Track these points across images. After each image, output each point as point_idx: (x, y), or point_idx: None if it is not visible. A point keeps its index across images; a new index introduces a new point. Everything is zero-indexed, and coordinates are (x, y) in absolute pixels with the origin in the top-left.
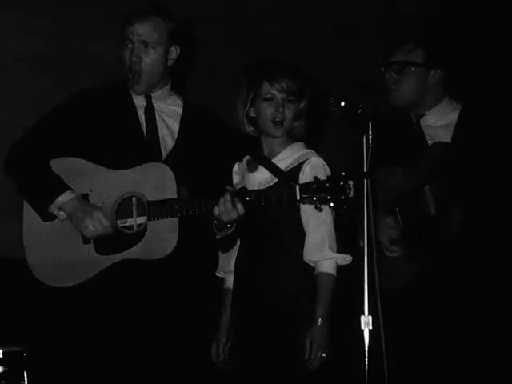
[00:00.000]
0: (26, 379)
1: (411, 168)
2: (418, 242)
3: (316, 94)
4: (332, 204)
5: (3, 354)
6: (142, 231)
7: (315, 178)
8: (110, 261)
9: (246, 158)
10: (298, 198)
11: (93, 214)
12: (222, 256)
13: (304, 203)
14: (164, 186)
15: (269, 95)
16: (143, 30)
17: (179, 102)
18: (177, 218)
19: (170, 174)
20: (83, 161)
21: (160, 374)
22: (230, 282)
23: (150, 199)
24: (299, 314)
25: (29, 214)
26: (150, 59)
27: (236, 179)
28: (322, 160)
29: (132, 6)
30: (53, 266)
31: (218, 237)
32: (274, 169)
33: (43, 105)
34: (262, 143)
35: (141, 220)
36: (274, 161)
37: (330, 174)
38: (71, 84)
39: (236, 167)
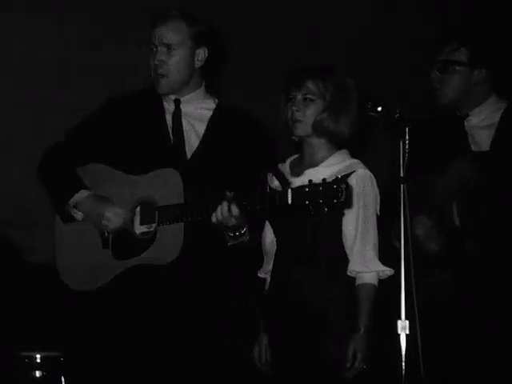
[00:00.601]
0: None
1: (442, 177)
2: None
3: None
4: (326, 209)
5: (41, 358)
6: (153, 237)
7: (309, 181)
8: (124, 266)
9: (289, 160)
10: (290, 201)
11: (106, 208)
12: (264, 257)
13: (296, 207)
14: (172, 191)
15: (290, 96)
16: (164, 32)
17: (212, 105)
18: (182, 224)
19: (178, 179)
20: (108, 167)
21: (175, 376)
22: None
23: (160, 204)
24: (324, 321)
25: (59, 220)
26: (172, 62)
27: (277, 182)
28: (369, 172)
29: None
30: (77, 270)
31: (229, 244)
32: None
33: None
34: (304, 149)
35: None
36: (319, 168)
37: (376, 185)
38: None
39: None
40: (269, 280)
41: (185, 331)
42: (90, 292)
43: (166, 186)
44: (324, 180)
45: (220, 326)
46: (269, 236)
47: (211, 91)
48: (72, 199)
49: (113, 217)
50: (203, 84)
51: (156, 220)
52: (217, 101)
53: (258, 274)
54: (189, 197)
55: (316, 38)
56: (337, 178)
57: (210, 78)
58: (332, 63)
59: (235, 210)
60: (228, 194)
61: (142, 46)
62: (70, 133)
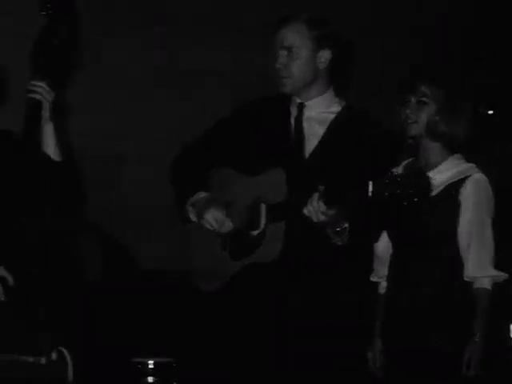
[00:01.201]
0: None
1: None
2: None
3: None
4: (405, 200)
5: (153, 364)
6: (263, 235)
7: (390, 172)
8: (239, 265)
9: (404, 164)
10: (370, 194)
11: (207, 210)
12: (376, 260)
13: (375, 199)
14: (277, 190)
15: (406, 99)
16: (284, 35)
17: (338, 108)
18: (283, 222)
19: (283, 178)
20: (232, 170)
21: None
22: (383, 288)
23: (269, 203)
24: (443, 324)
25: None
26: (294, 64)
27: None
28: (484, 176)
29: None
30: (203, 273)
31: (333, 241)
32: None
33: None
34: (418, 152)
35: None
36: (433, 173)
37: (491, 189)
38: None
39: None
40: (384, 284)
41: (296, 333)
42: (209, 294)
43: (274, 186)
44: (403, 171)
45: (331, 327)
46: (383, 241)
47: (340, 94)
48: (190, 200)
49: (210, 219)
50: (331, 88)
51: (265, 219)
52: (344, 103)
53: (371, 279)
54: (294, 195)
55: None
56: (419, 169)
57: (338, 81)
58: None
59: (321, 205)
60: (320, 188)
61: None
62: (199, 137)
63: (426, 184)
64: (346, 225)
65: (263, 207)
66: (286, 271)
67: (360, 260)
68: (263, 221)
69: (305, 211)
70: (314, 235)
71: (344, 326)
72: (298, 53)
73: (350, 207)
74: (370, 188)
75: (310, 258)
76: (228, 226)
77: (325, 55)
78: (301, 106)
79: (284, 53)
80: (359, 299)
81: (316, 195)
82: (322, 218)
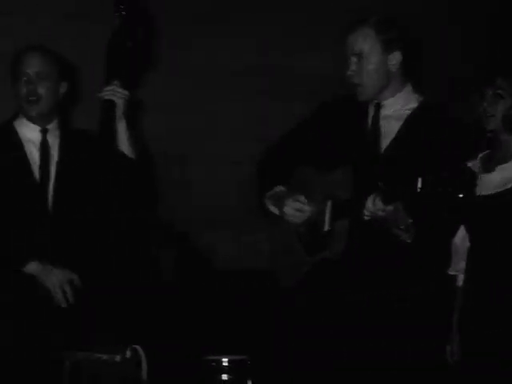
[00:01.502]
0: None
1: None
2: None
3: None
4: (451, 198)
5: (228, 362)
6: (333, 232)
7: (439, 169)
8: (312, 261)
9: (480, 156)
10: (418, 190)
11: (286, 203)
12: (453, 254)
13: (422, 197)
14: (346, 186)
15: (483, 92)
16: (354, 41)
17: (415, 105)
18: (347, 220)
19: (350, 175)
20: (312, 168)
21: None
22: (461, 280)
23: (339, 200)
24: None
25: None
26: (365, 71)
27: None
28: None
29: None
30: (282, 268)
31: (401, 239)
32: None
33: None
34: (495, 145)
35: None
36: (509, 165)
37: None
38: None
39: None
40: (462, 277)
41: (368, 332)
42: (287, 289)
43: (343, 183)
44: (453, 169)
45: (402, 326)
46: (460, 234)
47: (417, 90)
48: (268, 193)
49: (289, 209)
50: (407, 86)
51: (334, 216)
52: (421, 99)
53: (449, 272)
54: (358, 192)
55: None
56: (464, 165)
57: (414, 78)
58: None
59: (378, 202)
60: (380, 184)
61: None
62: (283, 136)
63: (470, 180)
64: (410, 221)
65: (332, 204)
66: (350, 269)
67: (431, 255)
68: (332, 218)
69: (365, 210)
70: (377, 232)
71: (415, 321)
72: (369, 58)
73: (410, 203)
74: (419, 184)
75: (373, 256)
76: (308, 211)
77: (395, 57)
78: (378, 106)
79: (354, 59)
80: (430, 294)
81: (373, 195)
82: (381, 213)
